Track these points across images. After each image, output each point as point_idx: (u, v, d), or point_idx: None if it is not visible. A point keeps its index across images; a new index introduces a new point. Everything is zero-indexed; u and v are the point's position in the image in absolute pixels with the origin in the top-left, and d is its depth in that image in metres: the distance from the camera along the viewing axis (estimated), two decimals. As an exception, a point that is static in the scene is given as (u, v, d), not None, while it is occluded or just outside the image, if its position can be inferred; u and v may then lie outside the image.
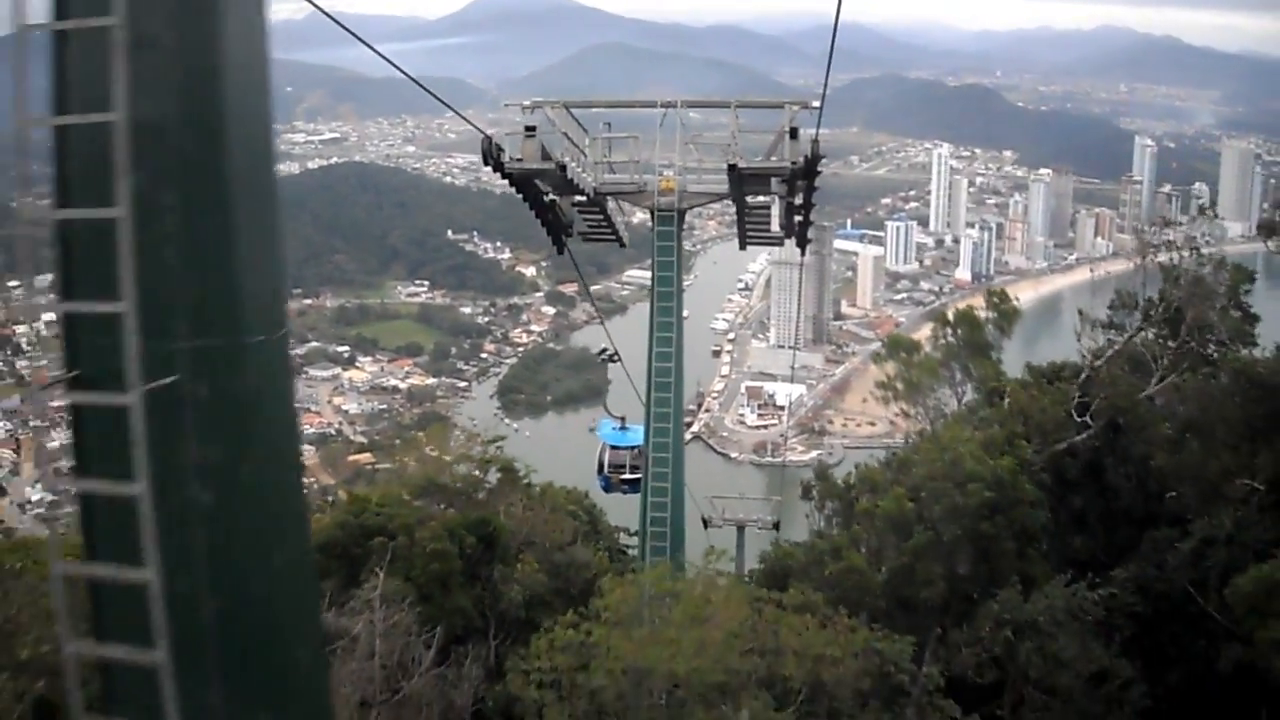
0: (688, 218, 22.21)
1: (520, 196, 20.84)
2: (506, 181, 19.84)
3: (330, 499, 40.08)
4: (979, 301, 29.26)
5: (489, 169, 19.18)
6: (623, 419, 25.40)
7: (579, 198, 21.51)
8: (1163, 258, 21.44)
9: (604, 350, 26.23)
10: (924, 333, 39.34)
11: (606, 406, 26.89)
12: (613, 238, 24.16)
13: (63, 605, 3.85)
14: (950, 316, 26.78)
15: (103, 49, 3.52)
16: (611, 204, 22.69)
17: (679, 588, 13.61)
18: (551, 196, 21.68)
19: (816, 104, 19.23)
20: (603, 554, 26.77)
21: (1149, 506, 20.09)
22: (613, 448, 25.23)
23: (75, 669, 3.73)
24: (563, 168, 18.74)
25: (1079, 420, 19.39)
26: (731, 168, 18.57)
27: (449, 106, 18.04)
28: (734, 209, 22.81)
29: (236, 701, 3.95)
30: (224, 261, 3.90)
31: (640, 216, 23.83)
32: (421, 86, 16.36)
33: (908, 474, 18.09)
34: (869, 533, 17.44)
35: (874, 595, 15.60)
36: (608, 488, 25.81)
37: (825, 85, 18.54)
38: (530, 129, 19.09)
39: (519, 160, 18.85)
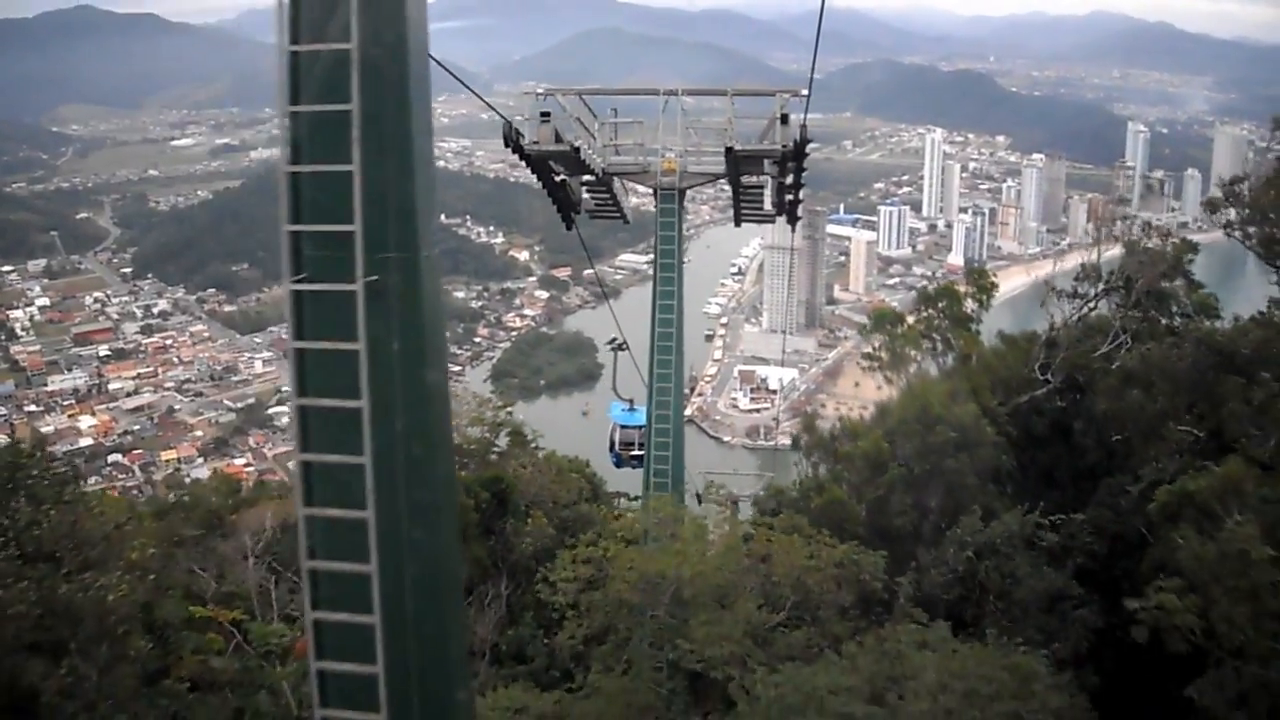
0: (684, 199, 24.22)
1: (535, 176, 22.78)
2: (524, 162, 21.73)
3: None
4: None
5: (509, 150, 20.85)
6: (631, 401, 27.44)
7: (588, 177, 23.46)
8: (1119, 233, 23.58)
9: (614, 340, 28.01)
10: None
11: (616, 390, 28.73)
12: (618, 215, 26.18)
13: (302, 528, 5.96)
14: (931, 291, 28.84)
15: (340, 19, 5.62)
16: (617, 184, 24.71)
17: (683, 514, 15.73)
18: (562, 176, 23.64)
19: (805, 91, 21.24)
20: (607, 511, 28.95)
21: (1112, 463, 22.17)
22: (623, 427, 27.35)
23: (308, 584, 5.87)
24: (576, 150, 20.72)
25: (1041, 378, 21.57)
26: (728, 150, 20.65)
27: (469, 88, 19.28)
28: (729, 190, 24.93)
29: (422, 593, 6.06)
30: (406, 196, 5.99)
31: (635, 200, 25.94)
32: (447, 70, 18.06)
33: (884, 420, 20.41)
34: (850, 471, 19.61)
35: (854, 524, 17.69)
36: (619, 463, 28.00)
37: (812, 72, 20.31)
38: (545, 114, 21.01)
39: (536, 143, 20.76)
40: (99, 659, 11.78)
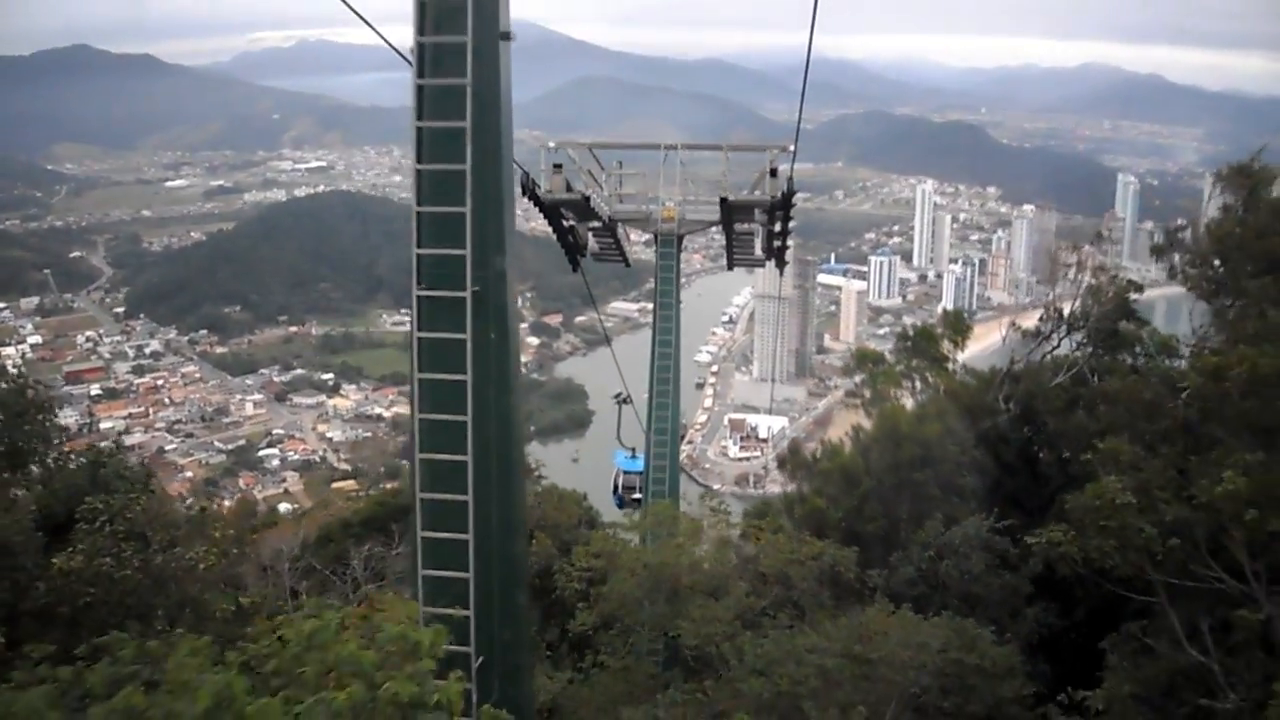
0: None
1: (546, 221, 25.31)
2: (539, 209, 24.25)
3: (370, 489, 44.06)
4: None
5: (525, 199, 23.36)
6: (633, 449, 29.74)
7: (595, 223, 25.99)
8: (1072, 276, 26.15)
9: (619, 394, 30.08)
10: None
11: (620, 439, 30.68)
12: (620, 259, 28.72)
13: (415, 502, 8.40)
14: (910, 332, 31.36)
15: (457, 103, 8.14)
16: (620, 229, 27.28)
17: (680, 515, 18.13)
18: (571, 222, 26.18)
19: (792, 148, 23.89)
20: (607, 534, 31.30)
21: (1072, 486, 24.45)
22: (625, 472, 29.63)
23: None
24: (586, 199, 23.25)
25: (1004, 408, 24.00)
26: (723, 200, 23.25)
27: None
28: (722, 237, 27.58)
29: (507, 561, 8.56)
30: (499, 230, 8.51)
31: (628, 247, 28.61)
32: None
33: (859, 440, 23.03)
34: (828, 484, 22.03)
35: (832, 530, 19.98)
36: (621, 504, 30.30)
37: (799, 125, 22.68)
38: (558, 165, 23.59)
39: (550, 192, 23.30)
40: (185, 621, 14.03)
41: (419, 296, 8.35)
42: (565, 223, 26.18)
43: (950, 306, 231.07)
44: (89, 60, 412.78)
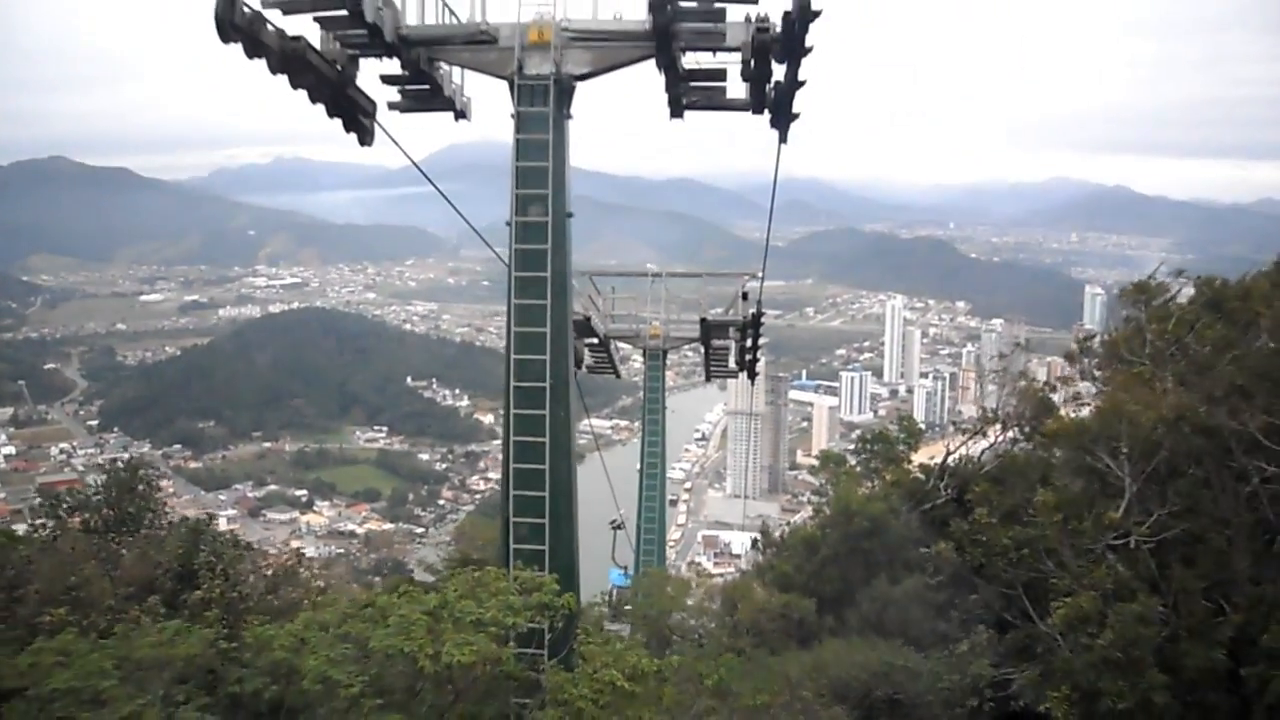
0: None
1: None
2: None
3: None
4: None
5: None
6: (625, 568, 33.64)
7: (591, 339, 30.77)
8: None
9: (614, 520, 33.78)
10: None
11: (615, 559, 34.02)
12: (611, 370, 33.52)
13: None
14: (868, 435, 35.84)
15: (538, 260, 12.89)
16: (613, 345, 32.18)
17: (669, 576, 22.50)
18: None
19: (760, 275, 28.97)
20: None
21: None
22: (618, 588, 33.58)
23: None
24: (587, 319, 28.04)
25: (943, 492, 28.39)
26: (702, 320, 28.25)
27: (493, 250, 27.10)
28: (694, 353, 32.67)
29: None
30: (563, 313, 13.14)
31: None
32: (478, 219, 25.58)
33: (819, 518, 27.63)
34: (793, 555, 26.28)
35: (797, 589, 24.09)
36: (615, 618, 34.25)
37: (766, 248, 27.37)
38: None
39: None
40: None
41: (514, 386, 12.84)
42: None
43: (921, 420, 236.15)
44: (66, 172, 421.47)
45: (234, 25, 11.80)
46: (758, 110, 13.68)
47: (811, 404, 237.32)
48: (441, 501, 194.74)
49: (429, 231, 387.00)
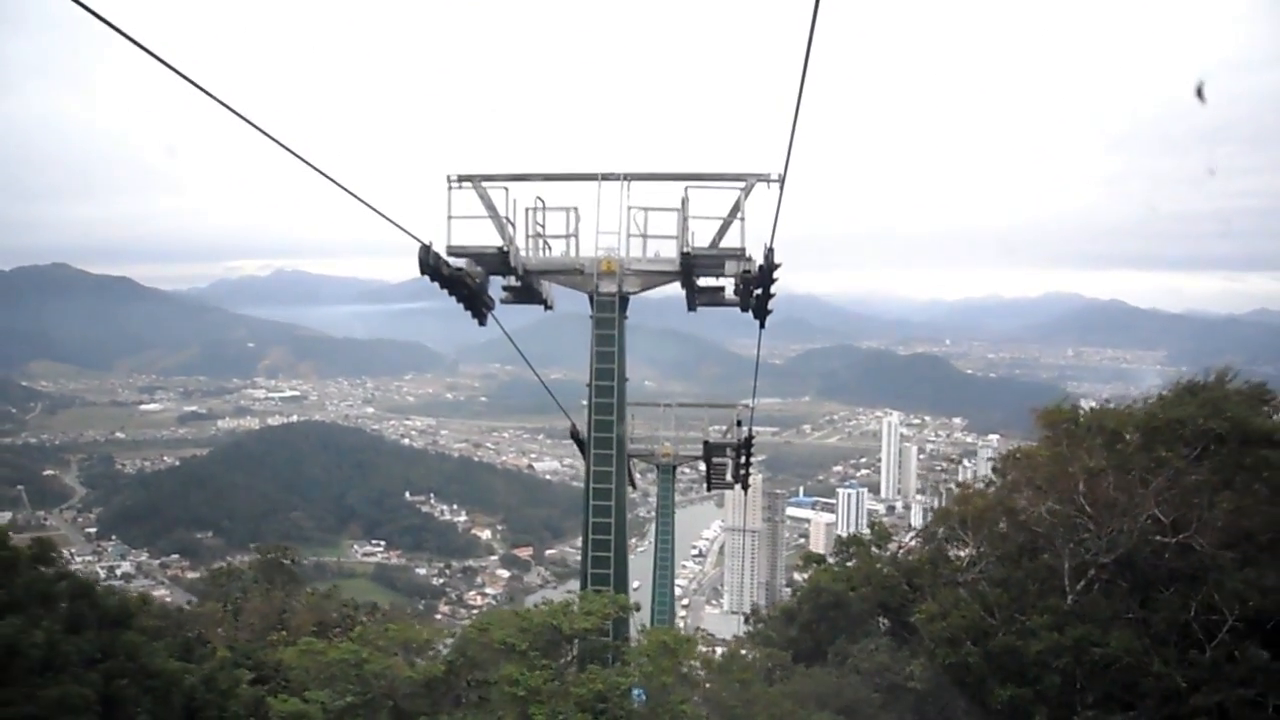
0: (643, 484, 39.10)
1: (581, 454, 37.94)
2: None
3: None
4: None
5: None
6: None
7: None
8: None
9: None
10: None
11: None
12: (630, 483, 41.14)
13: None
14: (845, 538, 43.21)
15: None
16: (630, 463, 39.92)
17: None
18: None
19: (752, 406, 36.88)
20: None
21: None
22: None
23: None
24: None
25: (899, 579, 35.62)
26: (705, 443, 36.08)
27: (554, 398, 35.20)
28: (691, 469, 40.22)
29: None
30: (621, 447, 20.88)
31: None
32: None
33: (796, 595, 35.56)
34: (776, 624, 33.72)
35: (781, 648, 31.35)
36: None
37: (755, 377, 33.93)
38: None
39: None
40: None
41: (595, 453, 20.17)
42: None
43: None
44: (68, 279, 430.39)
45: (428, 264, 18.37)
46: (744, 309, 19.91)
47: (809, 520, 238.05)
48: (439, 616, 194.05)
49: (428, 347, 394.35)
